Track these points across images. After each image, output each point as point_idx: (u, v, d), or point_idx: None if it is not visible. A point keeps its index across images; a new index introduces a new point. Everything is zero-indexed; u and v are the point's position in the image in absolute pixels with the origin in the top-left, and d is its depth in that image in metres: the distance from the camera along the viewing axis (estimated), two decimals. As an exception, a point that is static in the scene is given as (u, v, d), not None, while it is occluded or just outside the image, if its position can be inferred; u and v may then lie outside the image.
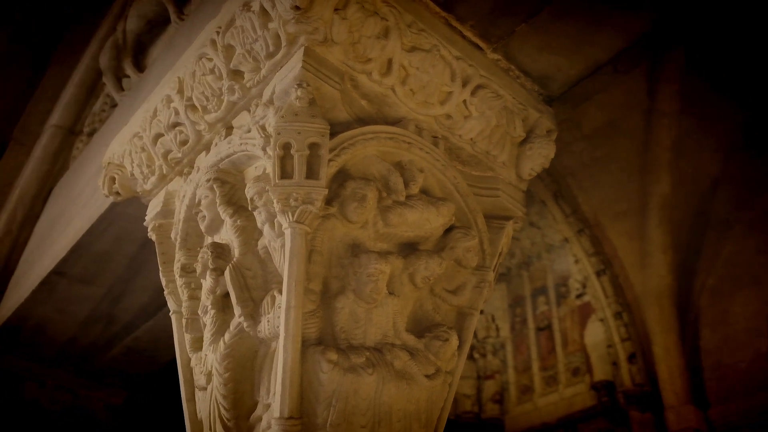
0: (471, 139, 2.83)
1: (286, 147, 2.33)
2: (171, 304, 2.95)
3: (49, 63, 5.57)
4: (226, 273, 2.47)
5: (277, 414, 2.17)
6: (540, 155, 2.94)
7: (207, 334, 2.55)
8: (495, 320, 10.62)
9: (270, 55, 2.50)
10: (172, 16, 3.95)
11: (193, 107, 2.87)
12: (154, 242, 3.13)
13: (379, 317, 2.42)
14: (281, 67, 2.49)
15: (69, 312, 4.70)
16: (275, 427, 2.16)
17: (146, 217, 3.17)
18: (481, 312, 2.93)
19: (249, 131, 2.58)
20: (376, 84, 2.59)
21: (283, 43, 2.44)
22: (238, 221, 2.57)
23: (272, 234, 2.42)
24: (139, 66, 4.40)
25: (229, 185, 2.68)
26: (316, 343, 2.30)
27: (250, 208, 2.53)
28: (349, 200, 2.44)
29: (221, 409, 2.42)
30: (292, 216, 2.29)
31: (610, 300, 8.83)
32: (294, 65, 2.41)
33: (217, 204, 2.65)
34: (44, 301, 4.61)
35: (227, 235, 2.64)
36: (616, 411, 8.46)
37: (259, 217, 2.48)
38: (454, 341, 2.57)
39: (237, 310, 2.42)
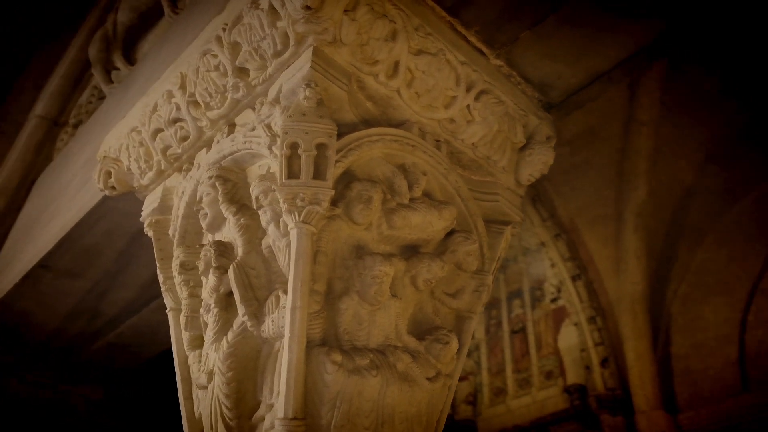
0: (473, 143, 2.85)
1: (294, 147, 2.32)
2: (168, 301, 2.92)
3: (33, 53, 5.47)
4: (230, 272, 2.45)
5: (281, 414, 2.16)
6: (540, 161, 2.98)
7: (209, 333, 2.52)
8: (470, 322, 10.63)
9: (277, 54, 2.49)
10: (166, 10, 3.90)
11: (196, 103, 2.84)
12: (143, 238, 3.09)
13: (381, 319, 2.43)
14: (288, 67, 2.47)
15: (52, 306, 4.62)
16: (279, 427, 2.16)
17: (142, 213, 3.13)
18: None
19: (253, 129, 2.56)
20: (382, 86, 2.59)
21: (292, 43, 2.43)
22: (242, 220, 2.55)
23: (277, 233, 2.41)
24: (130, 59, 4.34)
25: (231, 183, 2.66)
26: (320, 344, 2.30)
27: (255, 207, 2.51)
28: (355, 202, 2.44)
29: (223, 408, 2.40)
30: (299, 216, 2.28)
31: (584, 305, 8.90)
32: (302, 65, 2.40)
33: (220, 202, 2.63)
34: (27, 295, 4.52)
35: (230, 233, 2.62)
36: (588, 414, 8.53)
37: (264, 216, 2.46)
38: (454, 344, 2.58)
39: (241, 309, 2.41)
